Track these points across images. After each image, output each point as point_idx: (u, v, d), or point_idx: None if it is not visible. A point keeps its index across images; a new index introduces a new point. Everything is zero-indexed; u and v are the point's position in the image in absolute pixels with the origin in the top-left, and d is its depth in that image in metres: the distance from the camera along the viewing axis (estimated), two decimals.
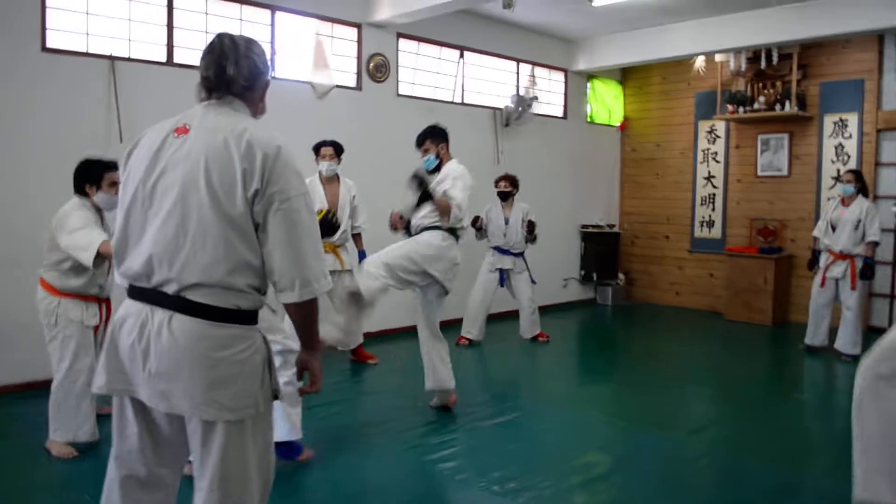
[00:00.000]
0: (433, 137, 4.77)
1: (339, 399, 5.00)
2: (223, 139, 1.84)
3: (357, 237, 5.87)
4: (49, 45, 5.06)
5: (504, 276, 6.92)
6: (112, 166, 3.80)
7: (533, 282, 7.05)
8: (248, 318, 1.91)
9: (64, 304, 3.65)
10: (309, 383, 2.07)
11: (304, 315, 1.95)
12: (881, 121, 7.66)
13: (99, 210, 3.77)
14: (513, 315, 7.37)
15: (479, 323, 6.85)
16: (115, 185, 3.72)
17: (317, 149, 5.58)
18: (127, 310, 1.91)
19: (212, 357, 1.83)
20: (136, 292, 1.91)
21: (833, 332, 6.57)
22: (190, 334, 1.83)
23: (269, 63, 2.04)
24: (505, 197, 6.83)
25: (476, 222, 6.73)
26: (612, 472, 3.79)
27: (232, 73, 1.93)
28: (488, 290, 6.86)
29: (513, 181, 6.87)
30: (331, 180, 5.62)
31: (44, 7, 5.01)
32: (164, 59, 5.64)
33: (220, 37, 1.98)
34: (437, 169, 4.68)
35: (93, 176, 3.74)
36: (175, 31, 5.69)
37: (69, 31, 5.15)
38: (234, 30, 5.90)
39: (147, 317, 1.86)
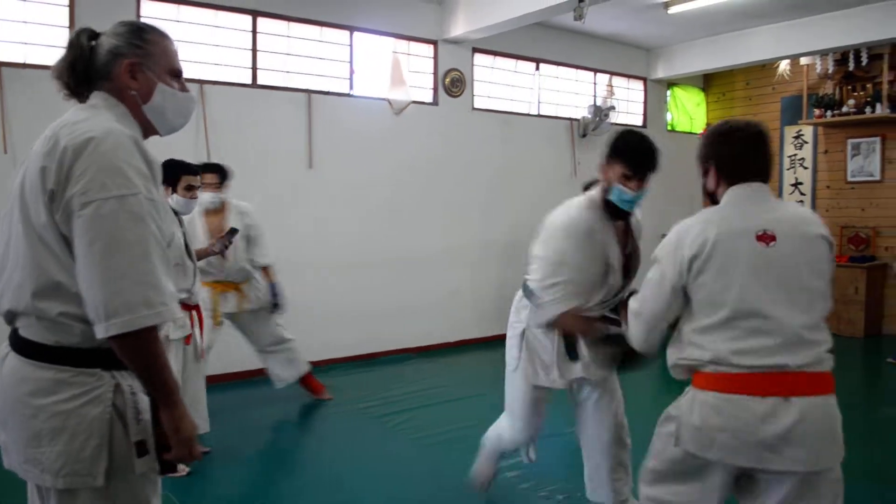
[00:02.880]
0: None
1: (407, 408, 5.13)
2: (45, 137, 1.55)
3: (265, 270, 4.86)
4: None
5: None
6: (191, 169, 3.89)
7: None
8: (80, 357, 1.52)
9: None
10: (175, 451, 1.57)
11: (133, 357, 1.49)
12: None
13: (176, 214, 3.82)
14: None
15: None
16: (191, 188, 3.87)
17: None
18: None
19: (32, 405, 1.50)
20: None
21: None
22: (13, 375, 1.54)
23: (133, 39, 1.66)
24: None
25: None
26: None
27: (75, 69, 1.64)
28: None
29: None
30: (215, 211, 4.66)
31: None
32: (249, 81, 5.94)
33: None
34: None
35: (169, 178, 3.78)
36: (259, 55, 5.98)
37: None
38: (314, 51, 6.21)
39: (1, 354, 1.61)
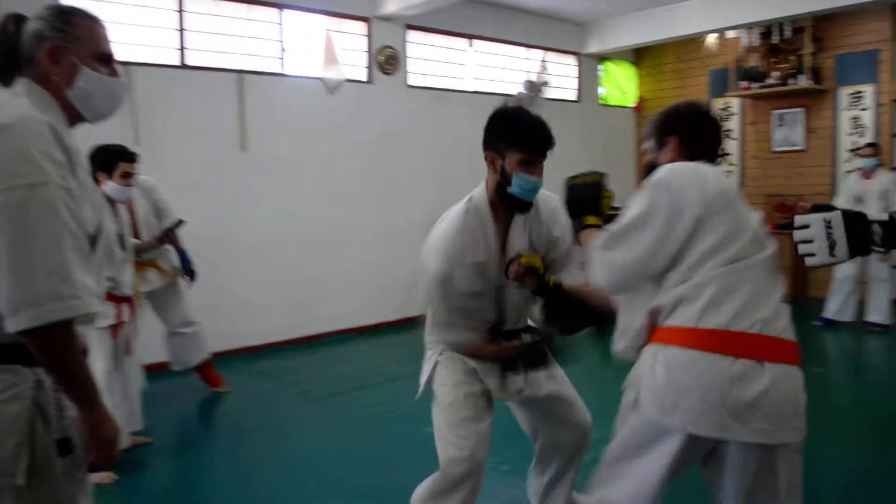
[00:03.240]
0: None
1: (352, 388, 5.14)
2: None
3: (173, 240, 4.66)
4: None
5: None
6: (127, 156, 3.76)
7: None
8: None
9: None
10: (94, 454, 1.53)
11: (44, 353, 1.43)
12: None
13: (112, 201, 3.72)
14: None
15: None
16: (127, 175, 3.73)
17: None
18: None
19: None
20: None
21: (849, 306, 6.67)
22: None
23: (56, 23, 1.59)
24: None
25: None
26: None
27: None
28: None
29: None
30: None
31: None
32: (177, 62, 5.78)
33: None
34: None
35: (105, 164, 3.67)
36: (186, 34, 5.82)
37: None
38: (242, 30, 6.07)
39: None
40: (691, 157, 2.05)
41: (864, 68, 7.79)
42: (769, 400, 1.77)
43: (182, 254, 4.65)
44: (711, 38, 8.89)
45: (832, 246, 1.79)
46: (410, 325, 7.12)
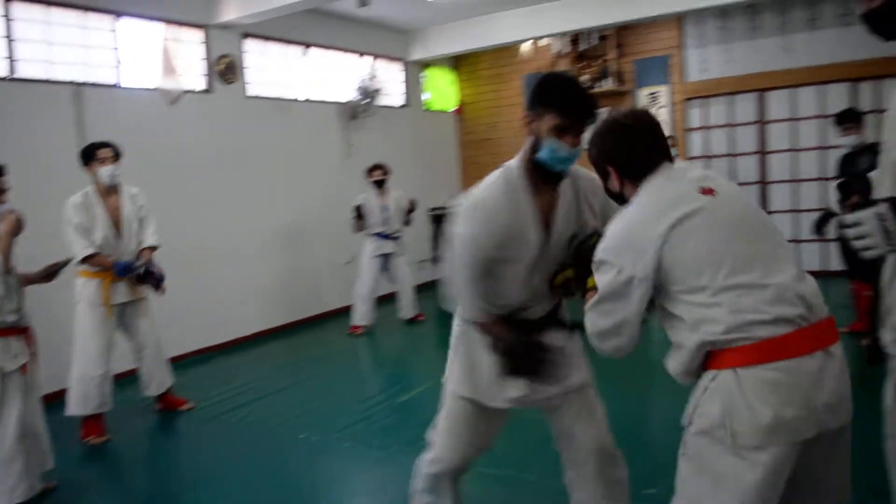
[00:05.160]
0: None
1: (239, 404, 5.07)
2: None
3: (146, 252, 4.73)
4: None
5: (385, 261, 7.20)
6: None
7: None
8: None
9: None
10: None
11: None
12: (686, 91, 8.68)
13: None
14: (389, 298, 7.58)
15: (370, 309, 7.12)
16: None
17: (90, 152, 4.49)
18: None
19: None
20: None
21: None
22: None
23: None
24: (380, 185, 7.08)
25: (359, 211, 7.00)
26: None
27: None
28: (374, 276, 7.11)
29: (385, 170, 7.13)
30: (111, 191, 4.56)
31: None
32: (6, 74, 5.32)
33: None
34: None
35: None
36: (15, 45, 5.37)
37: None
38: (77, 39, 5.72)
39: None
40: (637, 178, 1.92)
41: (658, 71, 8.81)
42: (844, 381, 1.76)
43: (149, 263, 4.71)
44: (525, 45, 9.57)
45: (888, 236, 1.79)
46: (265, 339, 7.05)
